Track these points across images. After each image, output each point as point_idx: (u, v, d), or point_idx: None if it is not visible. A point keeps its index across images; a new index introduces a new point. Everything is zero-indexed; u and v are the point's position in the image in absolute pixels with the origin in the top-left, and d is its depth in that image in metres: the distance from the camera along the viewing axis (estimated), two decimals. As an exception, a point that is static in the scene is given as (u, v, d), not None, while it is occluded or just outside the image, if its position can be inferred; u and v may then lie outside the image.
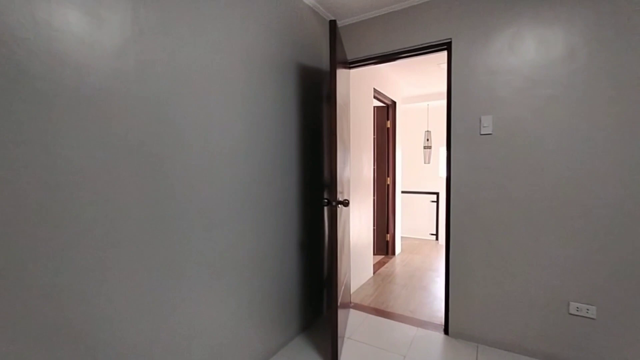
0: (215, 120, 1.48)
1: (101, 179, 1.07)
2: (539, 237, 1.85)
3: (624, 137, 1.63)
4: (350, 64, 2.48)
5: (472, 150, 2.00)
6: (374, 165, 3.78)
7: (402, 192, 4.42)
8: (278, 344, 1.95)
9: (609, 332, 1.71)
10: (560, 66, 1.75)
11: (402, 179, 5.63)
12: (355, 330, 2.22)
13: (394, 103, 4.00)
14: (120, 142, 1.12)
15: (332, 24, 1.74)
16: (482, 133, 1.96)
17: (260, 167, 1.73)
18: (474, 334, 2.06)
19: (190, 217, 1.37)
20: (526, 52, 1.83)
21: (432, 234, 5.24)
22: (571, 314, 1.79)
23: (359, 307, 2.60)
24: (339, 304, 1.81)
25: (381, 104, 3.96)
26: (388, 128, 4.04)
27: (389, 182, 4.09)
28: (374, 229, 3.94)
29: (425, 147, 5.84)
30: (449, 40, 2.05)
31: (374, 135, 3.85)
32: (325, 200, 1.78)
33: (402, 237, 5.23)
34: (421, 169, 5.85)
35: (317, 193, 2.25)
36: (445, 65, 3.32)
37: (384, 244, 4.10)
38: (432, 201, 5.30)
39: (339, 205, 1.82)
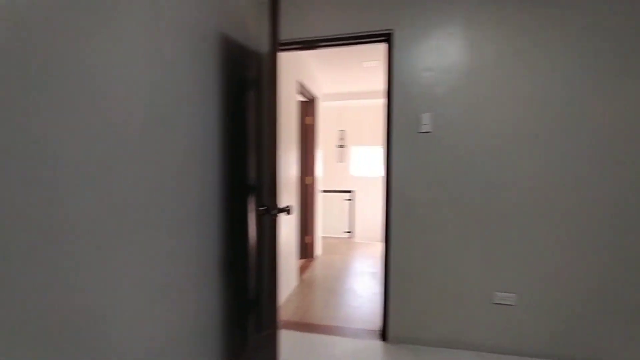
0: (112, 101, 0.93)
1: None
2: (469, 235, 1.92)
3: (545, 137, 1.81)
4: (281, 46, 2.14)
5: (411, 149, 1.95)
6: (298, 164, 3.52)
7: (323, 191, 4.32)
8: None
9: (526, 314, 1.89)
10: (492, 68, 1.83)
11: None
12: (290, 353, 1.91)
13: (316, 99, 3.82)
14: None
15: (270, -14, 1.38)
16: (421, 131, 1.92)
17: (170, 169, 1.23)
18: (413, 336, 2.03)
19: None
20: (462, 53, 1.86)
21: (347, 232, 5.34)
22: (495, 303, 1.92)
23: (290, 325, 2.29)
24: (277, 327, 1.47)
25: (304, 99, 3.73)
26: (309, 125, 3.84)
27: (309, 182, 3.90)
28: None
29: (339, 146, 5.92)
30: (390, 32, 1.94)
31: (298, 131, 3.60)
32: (262, 209, 1.41)
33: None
34: (335, 167, 5.92)
35: (243, 199, 1.83)
36: (370, 64, 3.31)
37: (304, 246, 3.89)
38: (347, 199, 5.41)
39: (279, 214, 1.48)
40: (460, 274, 1.95)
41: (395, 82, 1.95)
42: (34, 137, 0.75)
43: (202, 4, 1.40)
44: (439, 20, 1.88)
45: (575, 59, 1.75)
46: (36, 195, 0.75)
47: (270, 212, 1.40)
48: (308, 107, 3.82)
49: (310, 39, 2.08)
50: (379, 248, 4.50)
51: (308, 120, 3.84)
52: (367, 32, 1.98)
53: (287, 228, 2.76)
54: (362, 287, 3.04)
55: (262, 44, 1.98)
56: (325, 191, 4.34)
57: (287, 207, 1.49)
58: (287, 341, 2.05)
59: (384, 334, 2.09)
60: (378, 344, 2.06)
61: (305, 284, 3.12)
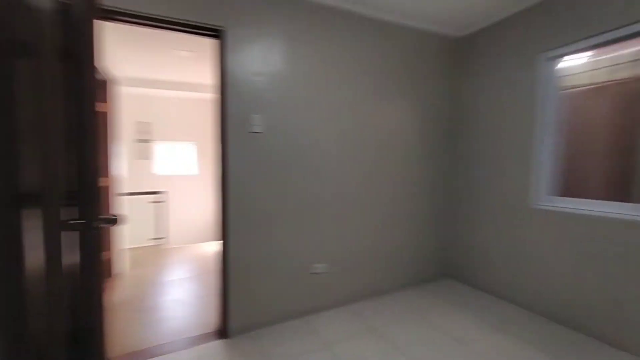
0: None
1: None
2: (297, 221, 2.28)
3: (349, 137, 2.39)
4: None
5: (245, 147, 2.05)
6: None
7: (128, 194, 3.56)
8: None
9: (334, 280, 2.47)
10: (310, 78, 2.23)
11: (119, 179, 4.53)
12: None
13: (111, 81, 3.09)
14: None
15: None
16: (253, 131, 2.05)
17: None
18: (254, 322, 2.16)
19: None
20: (286, 62, 2.13)
21: (159, 238, 4.70)
22: (312, 273, 2.39)
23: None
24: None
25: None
26: (101, 112, 3.06)
27: (106, 184, 3.13)
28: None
29: (140, 141, 5.07)
30: (222, 29, 1.92)
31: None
32: (80, 222, 1.07)
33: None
34: (138, 166, 4.99)
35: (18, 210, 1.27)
36: (184, 54, 3.04)
37: (104, 265, 3.11)
38: (155, 202, 4.73)
39: (105, 225, 1.16)
40: (290, 253, 2.28)
41: (228, 82, 1.97)
42: None
43: None
44: (269, 29, 2.07)
45: (361, 76, 2.44)
46: None
47: (89, 225, 1.09)
48: (99, 89, 3.04)
49: (114, 8, 1.71)
50: (199, 250, 4.28)
51: (100, 106, 3.05)
52: (194, 22, 1.87)
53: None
54: (186, 295, 2.84)
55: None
56: (130, 194, 3.61)
57: (113, 216, 1.21)
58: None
59: (224, 331, 2.10)
60: (217, 343, 2.05)
61: (113, 310, 2.53)
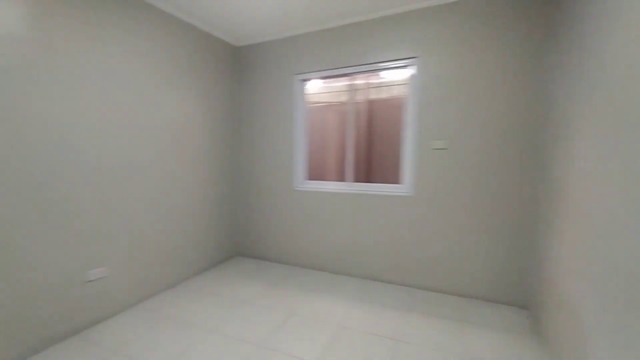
0: None
1: None
2: (62, 229, 1.91)
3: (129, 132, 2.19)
4: None
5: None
6: None
7: None
8: None
9: (117, 282, 2.27)
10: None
11: None
12: None
13: None
14: None
15: None
16: None
17: None
18: (21, 352, 1.65)
19: None
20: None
21: None
22: (89, 281, 2.10)
23: None
24: None
25: None
26: None
27: None
28: None
29: None
30: None
31: None
32: None
33: None
34: None
35: None
36: None
37: None
38: None
39: None
40: (47, 264, 1.89)
41: None
42: None
43: None
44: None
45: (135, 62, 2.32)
46: None
47: None
48: None
49: None
50: None
51: None
52: None
53: None
54: None
55: None
56: None
57: None
58: None
59: None
60: None
61: None
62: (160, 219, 2.58)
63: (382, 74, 3.00)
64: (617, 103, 1.26)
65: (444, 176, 2.55)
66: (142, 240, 2.44)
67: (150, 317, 2.25)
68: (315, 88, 3.36)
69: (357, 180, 3.05)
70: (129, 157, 2.30)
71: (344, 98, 3.50)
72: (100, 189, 2.13)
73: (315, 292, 2.68)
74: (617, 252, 1.19)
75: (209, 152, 3.08)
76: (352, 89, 3.03)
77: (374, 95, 3.36)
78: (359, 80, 3.08)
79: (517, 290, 2.38)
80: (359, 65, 2.82)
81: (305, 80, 3.15)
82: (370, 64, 2.78)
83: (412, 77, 2.64)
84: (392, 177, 2.89)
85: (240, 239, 3.55)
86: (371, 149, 3.23)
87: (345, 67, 2.88)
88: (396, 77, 2.95)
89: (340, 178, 3.18)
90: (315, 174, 3.32)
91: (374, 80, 3.18)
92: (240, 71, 3.38)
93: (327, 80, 3.20)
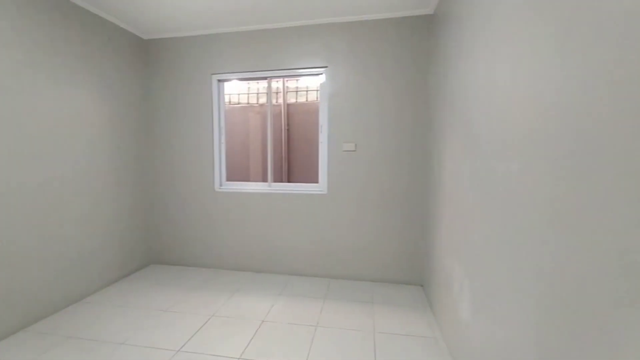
0: None
1: None
2: None
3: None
4: None
5: None
6: None
7: None
8: None
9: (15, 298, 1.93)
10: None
11: None
12: None
13: None
14: None
15: None
16: None
17: None
18: None
19: None
20: None
21: None
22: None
23: None
24: None
25: None
26: None
27: None
28: None
29: None
30: None
31: None
32: None
33: None
34: None
35: None
36: None
37: None
38: None
39: None
40: None
41: None
42: None
43: None
44: None
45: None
46: None
47: None
48: None
49: None
50: None
51: None
52: None
53: None
54: None
55: None
56: None
57: None
58: None
59: None
60: None
61: None
62: (52, 236, 2.27)
63: (300, 79, 3.17)
64: (461, 117, 1.65)
65: (354, 175, 2.85)
66: (26, 260, 2.12)
67: (43, 341, 1.98)
68: (236, 89, 3.36)
69: (278, 180, 3.17)
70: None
71: (263, 100, 3.58)
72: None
73: (238, 292, 2.70)
74: (470, 231, 1.56)
75: (112, 148, 2.82)
76: (270, 92, 3.12)
77: (292, 99, 3.53)
78: (278, 84, 3.20)
79: (415, 271, 2.82)
80: (276, 70, 2.94)
81: (223, 80, 3.12)
82: (287, 69, 2.92)
83: (322, 85, 2.88)
84: (310, 177, 3.09)
85: (154, 245, 3.32)
86: (290, 151, 3.37)
87: (263, 70, 2.96)
88: (312, 83, 3.17)
89: (263, 179, 3.25)
90: (239, 175, 3.32)
91: (291, 84, 3.34)
92: (150, 67, 3.16)
93: (247, 82, 3.24)
